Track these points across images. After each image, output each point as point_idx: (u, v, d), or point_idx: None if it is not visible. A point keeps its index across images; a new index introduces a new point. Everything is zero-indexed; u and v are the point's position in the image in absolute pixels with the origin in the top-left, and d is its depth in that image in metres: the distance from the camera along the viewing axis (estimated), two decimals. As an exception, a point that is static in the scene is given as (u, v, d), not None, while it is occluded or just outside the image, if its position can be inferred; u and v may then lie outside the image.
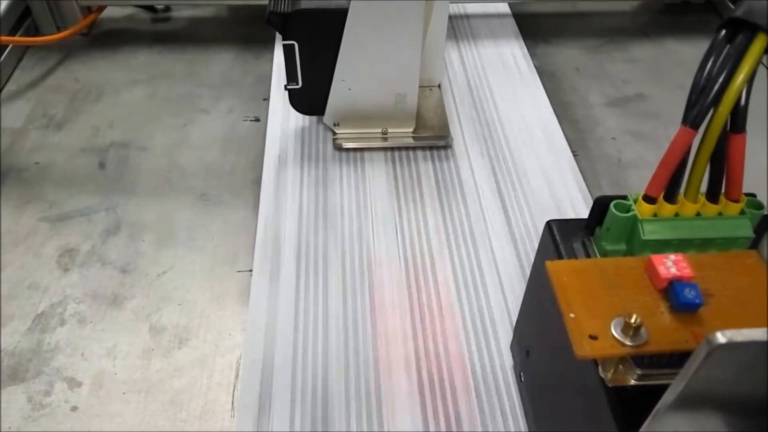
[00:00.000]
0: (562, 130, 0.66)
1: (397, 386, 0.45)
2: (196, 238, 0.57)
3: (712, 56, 0.28)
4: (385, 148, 0.64)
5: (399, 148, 0.64)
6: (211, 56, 0.80)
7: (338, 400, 0.44)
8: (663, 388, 0.25)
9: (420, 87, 0.62)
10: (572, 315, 0.28)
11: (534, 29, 0.84)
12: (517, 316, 0.44)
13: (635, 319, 0.27)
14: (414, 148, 0.64)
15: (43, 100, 0.73)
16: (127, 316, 0.51)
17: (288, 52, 0.57)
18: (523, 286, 0.51)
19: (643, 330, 0.27)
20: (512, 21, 0.83)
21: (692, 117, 0.28)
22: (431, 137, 0.64)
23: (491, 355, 0.47)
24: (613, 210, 0.32)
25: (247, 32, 0.84)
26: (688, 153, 0.30)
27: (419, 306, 0.50)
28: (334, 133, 0.64)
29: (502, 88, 0.72)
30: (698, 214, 0.31)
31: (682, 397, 0.24)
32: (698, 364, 0.21)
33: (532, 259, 0.40)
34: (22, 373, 0.47)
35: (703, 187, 0.31)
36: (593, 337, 0.27)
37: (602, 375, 0.29)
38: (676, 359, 0.28)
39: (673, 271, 0.28)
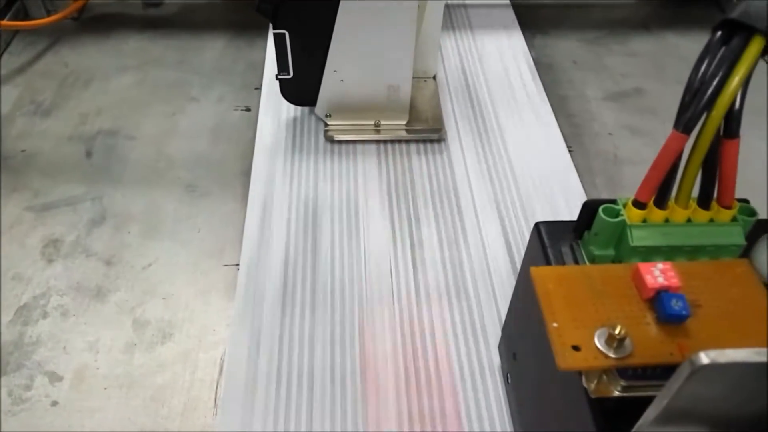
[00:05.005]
0: (558, 125, 0.65)
1: (382, 383, 0.45)
2: (183, 230, 0.56)
3: (706, 58, 0.27)
4: (377, 141, 0.63)
5: (392, 141, 0.63)
6: (202, 43, 0.79)
7: (323, 399, 0.44)
8: (648, 400, 0.24)
9: (414, 78, 0.60)
10: (555, 324, 0.27)
11: (532, 20, 0.82)
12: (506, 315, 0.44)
13: (620, 331, 0.26)
14: (407, 141, 0.63)
15: (31, 85, 0.72)
16: (110, 309, 0.50)
17: (279, 41, 0.56)
18: (513, 285, 0.51)
19: (627, 341, 0.26)
20: (511, 11, 0.81)
21: (685, 121, 0.27)
22: (425, 130, 0.63)
23: (479, 355, 0.47)
24: (602, 215, 0.31)
25: (240, 18, 0.83)
26: (679, 158, 0.29)
27: (407, 301, 0.50)
28: (326, 125, 0.63)
29: (499, 80, 0.71)
30: (689, 220, 0.31)
31: (664, 414, 0.23)
32: (680, 383, 0.21)
33: (523, 259, 0.39)
34: (3, 366, 0.47)
35: (695, 193, 0.30)
36: (576, 348, 0.26)
37: (585, 385, 0.28)
38: (662, 371, 0.27)
39: (661, 280, 0.27)
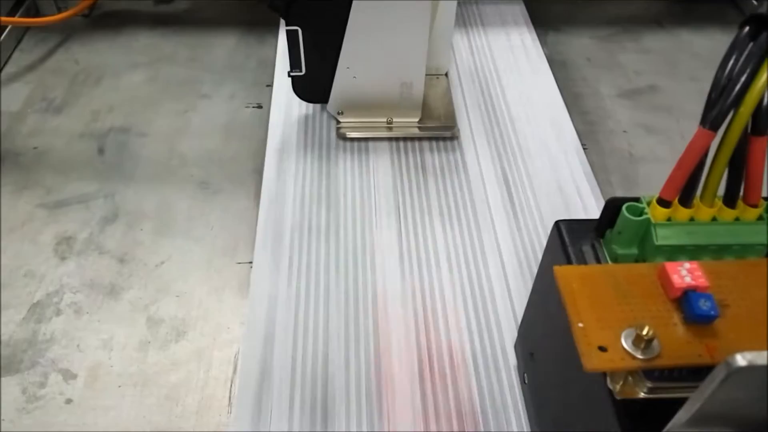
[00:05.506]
0: (572, 123, 0.64)
1: (398, 381, 0.45)
2: (196, 227, 0.56)
3: (734, 54, 0.27)
4: (389, 138, 0.63)
5: (404, 138, 0.63)
6: (213, 39, 0.78)
7: (338, 398, 0.43)
8: (673, 402, 0.24)
9: (426, 75, 0.60)
10: (581, 325, 0.27)
11: (545, 16, 0.82)
12: (521, 314, 0.43)
13: (647, 331, 0.25)
14: (419, 139, 0.63)
15: (42, 82, 0.72)
16: (124, 307, 0.50)
17: (291, 38, 0.56)
18: (529, 284, 0.50)
19: (655, 342, 0.26)
20: (523, 7, 0.81)
21: (711, 118, 0.27)
22: (437, 127, 0.63)
23: (495, 354, 0.46)
24: (626, 213, 0.30)
25: (251, 15, 0.83)
26: (705, 155, 0.28)
27: (422, 300, 0.49)
28: (338, 122, 0.63)
29: (512, 77, 0.70)
30: (714, 218, 0.30)
31: (696, 416, 0.22)
32: (716, 386, 0.20)
33: (539, 256, 0.39)
34: (17, 364, 0.47)
35: (720, 191, 0.30)
36: (602, 349, 0.26)
37: (611, 387, 0.27)
38: (688, 372, 0.26)
39: (688, 280, 0.27)
